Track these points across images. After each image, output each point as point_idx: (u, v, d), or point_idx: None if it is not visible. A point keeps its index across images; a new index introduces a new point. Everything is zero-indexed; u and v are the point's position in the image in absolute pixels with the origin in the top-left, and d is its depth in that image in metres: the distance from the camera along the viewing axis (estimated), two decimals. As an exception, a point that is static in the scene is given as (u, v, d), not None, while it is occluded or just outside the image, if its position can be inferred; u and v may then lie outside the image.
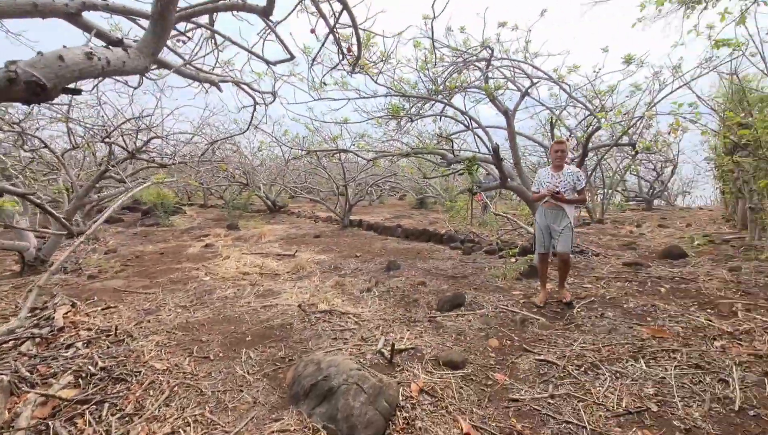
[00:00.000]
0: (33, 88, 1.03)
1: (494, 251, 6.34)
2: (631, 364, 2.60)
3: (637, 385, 2.38)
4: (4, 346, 2.91)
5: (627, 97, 5.23)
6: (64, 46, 1.15)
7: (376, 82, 4.68)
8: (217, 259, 6.28)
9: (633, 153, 4.14)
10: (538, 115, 7.70)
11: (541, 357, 2.78)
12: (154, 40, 1.37)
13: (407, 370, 2.63)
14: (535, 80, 5.49)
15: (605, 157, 8.42)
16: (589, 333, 3.13)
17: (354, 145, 7.62)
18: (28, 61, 1.02)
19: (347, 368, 2.31)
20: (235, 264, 5.85)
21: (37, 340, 3.04)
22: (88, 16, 2.02)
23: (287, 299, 4.21)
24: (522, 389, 2.40)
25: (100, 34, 2.08)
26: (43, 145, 6.49)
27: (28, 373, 2.54)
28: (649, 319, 3.35)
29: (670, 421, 2.06)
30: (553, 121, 5.89)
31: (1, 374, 2.47)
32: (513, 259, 5.51)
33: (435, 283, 4.76)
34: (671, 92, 4.46)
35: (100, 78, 1.28)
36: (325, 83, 4.03)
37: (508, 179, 5.17)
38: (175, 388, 2.43)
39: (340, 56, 2.69)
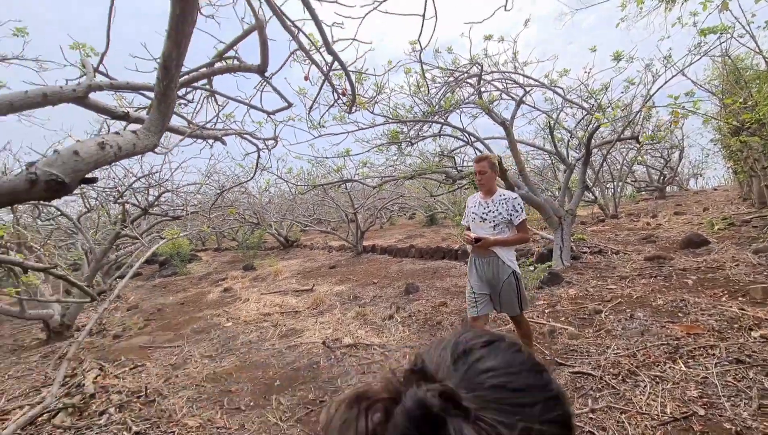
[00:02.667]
0: (53, 186, 1.08)
1: (511, 261, 6.26)
2: (670, 367, 2.52)
3: (679, 388, 2.29)
4: (39, 419, 2.94)
5: (622, 92, 5.25)
6: (78, 141, 1.22)
7: (372, 113, 4.79)
8: (236, 302, 6.32)
9: (637, 145, 4.12)
10: (536, 120, 7.74)
11: (576, 369, 2.71)
12: (160, 118, 1.44)
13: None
14: (528, 88, 5.55)
15: (610, 151, 8.39)
16: (621, 338, 3.05)
17: (358, 173, 7.72)
18: (45, 161, 1.08)
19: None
20: (255, 306, 5.88)
21: (70, 410, 3.07)
22: (94, 95, 2.14)
23: (310, 337, 4.19)
24: (560, 407, 2.33)
25: (106, 111, 2.19)
26: (59, 213, 6.72)
27: (65, 446, 2.55)
28: (680, 315, 3.25)
29: (720, 423, 1.97)
30: (552, 124, 5.91)
31: (40, 450, 2.49)
32: (531, 268, 5.44)
33: (456, 302, 4.70)
34: (665, 82, 4.46)
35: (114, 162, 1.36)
36: (322, 125, 4.14)
37: (515, 188, 5.16)
38: (210, 445, 2.42)
39: (336, 97, 2.78)
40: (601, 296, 4.04)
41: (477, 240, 2.59)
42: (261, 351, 3.98)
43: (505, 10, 2.07)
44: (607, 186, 11.87)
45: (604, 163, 9.07)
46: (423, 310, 4.54)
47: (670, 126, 4.71)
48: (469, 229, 2.81)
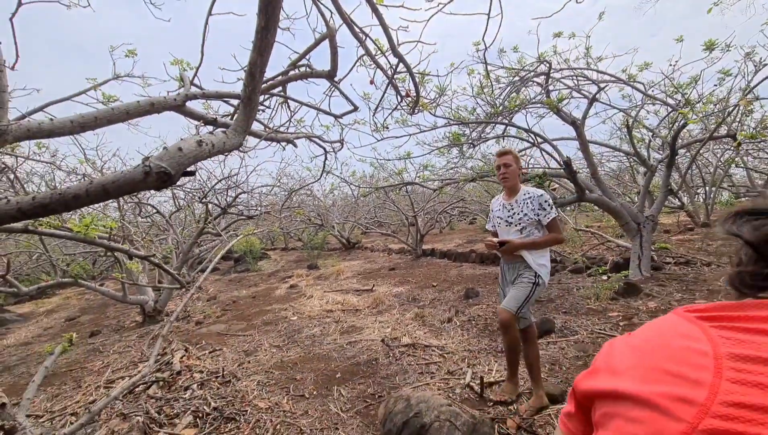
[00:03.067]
0: (162, 177, 1.26)
1: (581, 270, 5.87)
2: None
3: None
4: (137, 389, 3.37)
5: (715, 85, 4.68)
6: (182, 139, 1.38)
7: (434, 115, 4.81)
8: (301, 298, 6.67)
9: (735, 145, 3.63)
10: (611, 119, 7.20)
11: (655, 387, 2.47)
12: (245, 120, 1.59)
13: (501, 405, 2.51)
14: (602, 85, 5.19)
15: (700, 152, 7.50)
16: (712, 357, 2.72)
17: (418, 176, 7.76)
18: (157, 156, 1.27)
19: (438, 404, 2.28)
20: (318, 302, 6.16)
21: (161, 383, 3.48)
22: (189, 104, 2.43)
23: (370, 334, 4.30)
24: (636, 425, 2.15)
25: (199, 117, 2.48)
26: (155, 211, 7.62)
27: (156, 414, 2.90)
28: (789, 336, 2.82)
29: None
30: (630, 123, 5.45)
31: (137, 416, 2.86)
32: (604, 277, 5.05)
33: (519, 309, 4.52)
34: (772, 71, 3.92)
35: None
36: (386, 126, 4.25)
37: (587, 191, 4.84)
38: (278, 427, 2.59)
39: (399, 99, 2.86)
40: (687, 311, 3.63)
41: (501, 244, 2.39)
42: (323, 345, 4.16)
43: (576, 2, 1.99)
44: (698, 191, 10.60)
45: (693, 166, 8.14)
46: (483, 315, 4.43)
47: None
48: (496, 235, 2.63)
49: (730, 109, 4.51)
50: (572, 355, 3.12)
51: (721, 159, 9.95)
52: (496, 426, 2.26)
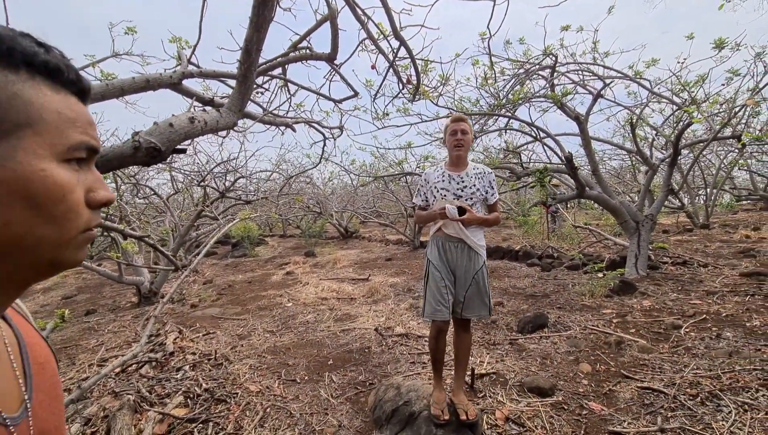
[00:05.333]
0: (152, 152, 1.23)
1: (577, 266, 5.87)
2: (763, 395, 2.21)
3: (773, 419, 2.00)
4: (129, 368, 3.38)
5: (723, 85, 4.62)
6: (173, 115, 1.35)
7: (436, 105, 4.76)
8: (297, 285, 6.67)
9: (739, 146, 3.58)
10: (615, 117, 7.14)
11: (645, 384, 2.48)
12: (240, 98, 1.56)
13: (490, 397, 2.52)
14: (608, 80, 5.12)
15: (703, 153, 7.45)
16: (704, 357, 2.73)
17: (419, 167, 7.71)
18: (147, 131, 1.24)
19: (428, 393, 2.28)
20: (314, 290, 6.16)
21: (154, 363, 3.49)
22: (186, 82, 2.38)
23: (364, 323, 4.31)
24: (624, 421, 2.16)
25: (195, 96, 2.43)
26: (153, 193, 7.58)
27: (147, 393, 2.91)
28: (782, 339, 2.83)
29: (826, 466, 1.70)
30: (634, 121, 5.40)
31: (128, 394, 2.86)
32: (600, 274, 5.05)
33: (513, 303, 4.53)
34: (781, 72, 3.86)
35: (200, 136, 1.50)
36: (387, 113, 4.20)
37: (587, 188, 4.81)
38: (268, 410, 2.60)
39: (400, 86, 2.81)
40: (681, 311, 3.64)
41: (461, 211, 2.05)
42: (317, 331, 4.17)
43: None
44: (699, 192, 10.58)
45: (696, 166, 8.10)
46: (478, 308, 4.44)
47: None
48: (423, 209, 2.32)
49: (737, 109, 4.46)
50: (564, 350, 3.13)
51: (725, 161, 9.90)
52: (485, 416, 2.27)
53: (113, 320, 5.15)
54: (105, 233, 6.71)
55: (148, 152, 1.15)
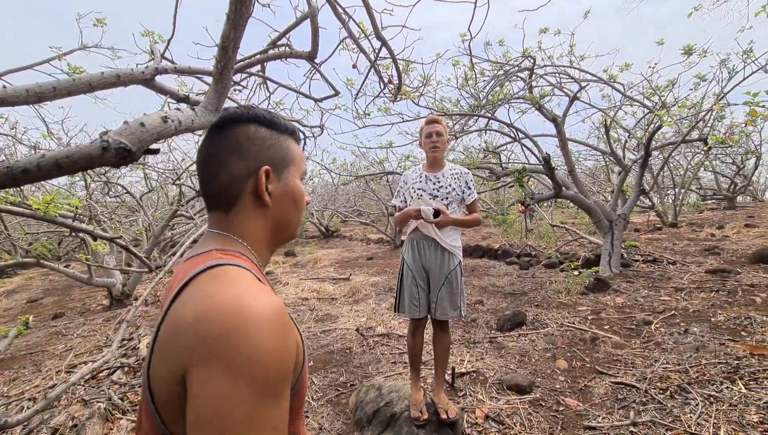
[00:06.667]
0: (121, 153, 1.17)
1: (554, 265, 6.02)
2: (727, 387, 2.31)
3: (736, 410, 2.10)
4: (100, 374, 3.26)
5: (691, 90, 4.82)
6: (145, 114, 1.29)
7: (417, 105, 4.77)
8: (277, 285, 6.58)
9: (705, 148, 3.76)
10: (590, 118, 7.34)
11: (618, 379, 2.56)
12: (216, 97, 1.51)
13: (470, 395, 2.55)
14: (583, 83, 5.27)
15: (672, 154, 7.76)
16: (672, 352, 2.84)
17: (400, 166, 7.73)
18: (116, 131, 1.18)
19: (408, 394, 2.29)
20: (294, 290, 6.09)
21: (126, 368, 3.36)
22: (160, 78, 2.30)
23: (345, 323, 4.29)
24: (599, 416, 2.22)
25: (169, 93, 2.35)
26: (125, 191, 7.32)
27: (120, 401, 2.80)
28: (744, 333, 2.97)
29: (784, 454, 1.79)
30: (608, 123, 5.57)
31: (99, 402, 2.75)
32: (576, 272, 5.19)
33: (493, 301, 4.60)
34: (744, 79, 4.05)
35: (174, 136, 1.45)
36: (368, 113, 4.18)
37: (563, 188, 4.92)
38: (247, 414, 2.55)
39: (382, 86, 2.80)
40: (652, 307, 3.78)
41: (436, 213, 2.08)
42: (297, 332, 4.12)
43: (564, -4, 1.97)
44: (668, 192, 11.02)
45: (665, 167, 8.42)
46: (458, 307, 4.48)
47: (746, 127, 4.27)
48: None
49: (703, 113, 4.66)
50: (541, 347, 3.20)
51: (692, 162, 10.36)
52: (465, 415, 2.29)
53: (83, 324, 4.95)
54: (73, 234, 6.43)
55: (118, 153, 1.10)
